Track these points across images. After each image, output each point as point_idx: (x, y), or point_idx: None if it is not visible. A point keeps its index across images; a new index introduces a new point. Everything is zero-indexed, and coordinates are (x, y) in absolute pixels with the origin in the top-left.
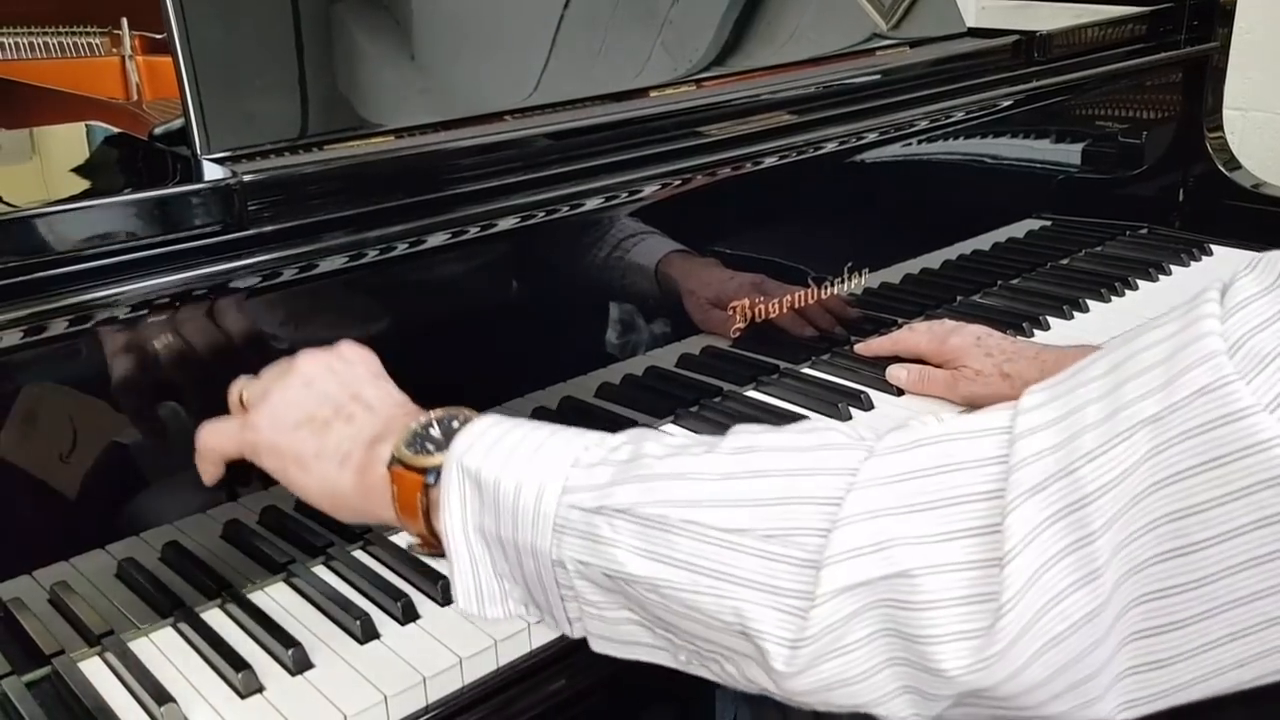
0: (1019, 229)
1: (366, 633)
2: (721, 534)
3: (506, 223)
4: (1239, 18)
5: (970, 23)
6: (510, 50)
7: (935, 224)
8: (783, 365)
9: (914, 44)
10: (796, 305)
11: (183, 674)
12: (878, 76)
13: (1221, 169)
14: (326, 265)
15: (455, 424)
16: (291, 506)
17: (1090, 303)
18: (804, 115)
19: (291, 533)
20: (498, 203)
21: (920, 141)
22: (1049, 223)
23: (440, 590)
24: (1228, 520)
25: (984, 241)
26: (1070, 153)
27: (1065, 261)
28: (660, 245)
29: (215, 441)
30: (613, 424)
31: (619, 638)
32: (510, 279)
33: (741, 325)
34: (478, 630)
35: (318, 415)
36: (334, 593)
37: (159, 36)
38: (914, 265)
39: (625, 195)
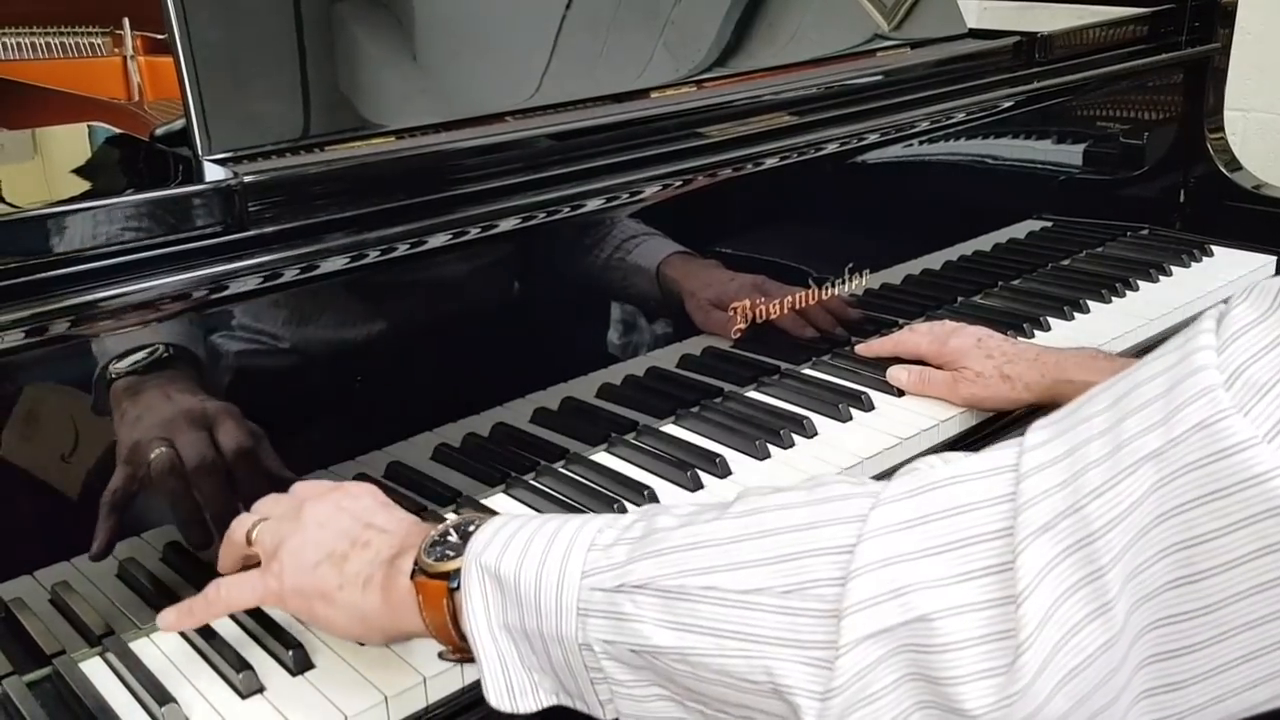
0: (1020, 230)
1: None
2: (740, 595)
3: (508, 223)
4: (1240, 18)
5: (971, 24)
6: (512, 51)
7: (936, 225)
8: (784, 366)
9: (915, 45)
10: (797, 306)
11: (184, 674)
12: (879, 77)
13: (1223, 170)
14: (328, 266)
15: (471, 527)
16: None
17: (1091, 303)
18: (805, 116)
19: None
20: (499, 203)
21: (921, 142)
22: (1050, 223)
23: None
24: (1232, 549)
25: (985, 242)
26: (1071, 153)
27: (1066, 262)
28: (661, 246)
29: (238, 596)
30: (614, 424)
31: (650, 715)
32: (512, 280)
33: (742, 326)
34: None
35: (335, 550)
36: None
37: (161, 37)
38: (914, 266)
39: (626, 196)
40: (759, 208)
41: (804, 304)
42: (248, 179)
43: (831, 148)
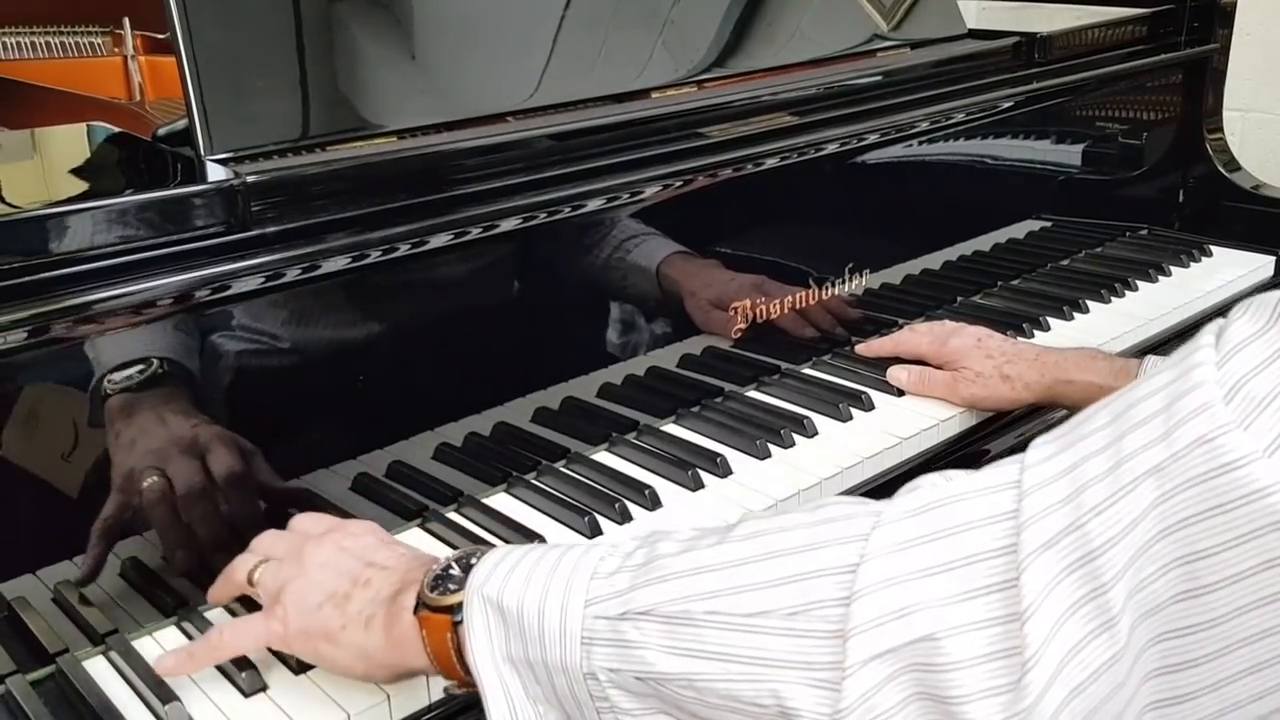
0: (1019, 230)
1: None
2: (745, 619)
3: (509, 223)
4: (1239, 19)
5: (971, 24)
6: (512, 51)
7: (935, 225)
8: (784, 366)
9: (915, 45)
10: (797, 306)
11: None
12: (879, 78)
13: (1221, 170)
14: (330, 266)
15: (473, 560)
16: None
17: (1090, 303)
18: (805, 116)
19: None
20: (500, 203)
21: (921, 143)
22: (1049, 223)
23: None
24: (1235, 564)
25: (984, 242)
26: (1070, 154)
27: (1065, 262)
28: (662, 246)
29: (242, 641)
30: (615, 423)
31: None
32: (512, 279)
33: (743, 326)
34: None
35: (338, 590)
36: None
37: (161, 36)
38: (914, 266)
39: (627, 196)
40: (759, 208)
41: (804, 304)
42: (250, 179)
43: (831, 148)
